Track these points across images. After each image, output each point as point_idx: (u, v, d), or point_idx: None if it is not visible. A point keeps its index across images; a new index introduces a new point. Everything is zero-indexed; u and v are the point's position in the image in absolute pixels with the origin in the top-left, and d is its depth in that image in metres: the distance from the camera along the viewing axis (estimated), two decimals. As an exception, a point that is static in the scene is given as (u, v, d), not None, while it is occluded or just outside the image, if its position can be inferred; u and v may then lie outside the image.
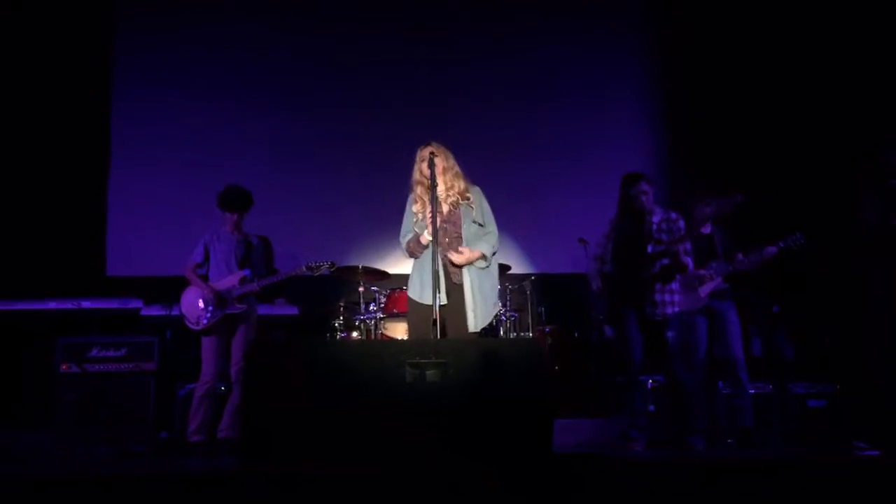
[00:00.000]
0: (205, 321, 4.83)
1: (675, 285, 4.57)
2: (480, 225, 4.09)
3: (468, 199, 4.09)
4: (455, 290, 4.02)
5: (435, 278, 3.76)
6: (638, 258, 4.53)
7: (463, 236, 4.05)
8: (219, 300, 4.84)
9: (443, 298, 3.89)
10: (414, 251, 4.11)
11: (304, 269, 4.97)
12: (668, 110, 7.73)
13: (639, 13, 7.88)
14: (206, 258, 5.03)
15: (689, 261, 4.56)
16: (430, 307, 3.78)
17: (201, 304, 4.86)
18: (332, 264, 5.03)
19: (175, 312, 5.04)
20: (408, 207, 4.20)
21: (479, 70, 7.53)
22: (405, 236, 4.17)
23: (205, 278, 4.98)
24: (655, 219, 4.61)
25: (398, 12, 7.52)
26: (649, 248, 4.51)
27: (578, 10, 7.73)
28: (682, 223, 4.60)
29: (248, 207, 5.08)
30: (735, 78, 7.28)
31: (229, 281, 4.90)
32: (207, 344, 4.89)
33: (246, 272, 4.92)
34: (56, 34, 6.97)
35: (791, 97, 6.89)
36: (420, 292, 4.02)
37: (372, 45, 7.47)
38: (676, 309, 4.55)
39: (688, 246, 4.57)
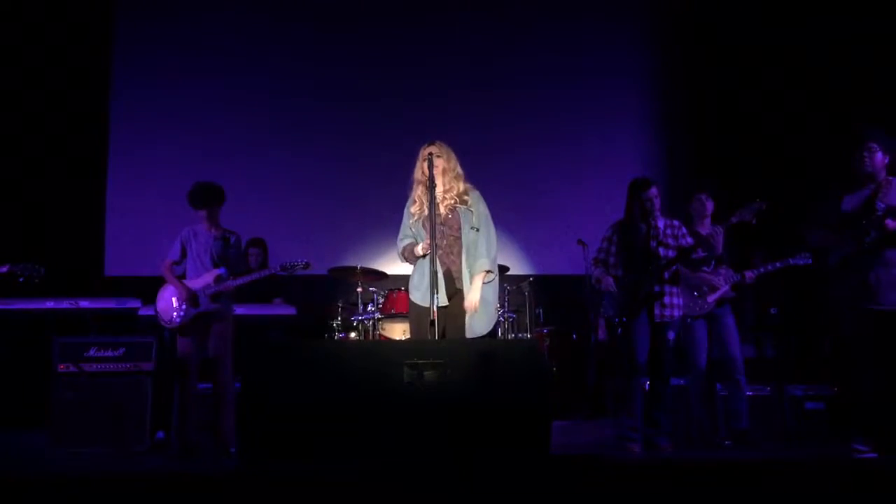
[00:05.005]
0: (178, 320, 4.74)
1: (675, 289, 4.68)
2: (478, 230, 4.02)
3: (466, 202, 4.04)
4: (457, 295, 3.96)
5: (433, 279, 3.72)
6: (648, 262, 4.56)
7: (462, 242, 3.99)
8: (192, 299, 4.78)
9: (443, 299, 3.86)
10: (408, 258, 4.09)
11: (278, 268, 4.94)
12: (670, 113, 7.74)
13: (641, 13, 7.89)
14: (183, 255, 4.92)
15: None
16: (429, 309, 3.73)
17: (175, 303, 4.78)
18: (307, 264, 4.97)
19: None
20: (406, 208, 4.15)
21: (479, 72, 7.54)
22: (402, 239, 4.13)
23: (182, 276, 4.90)
24: (661, 224, 4.67)
25: (398, 9, 7.54)
26: (662, 252, 4.58)
27: (580, 11, 7.74)
28: (685, 229, 4.75)
29: (218, 203, 4.89)
30: (737, 81, 7.28)
31: (204, 279, 4.81)
32: (184, 344, 4.80)
33: (221, 270, 4.83)
34: (56, 31, 6.97)
35: (795, 99, 6.88)
36: (421, 295, 3.95)
37: (373, 41, 7.49)
38: (678, 312, 4.67)
39: (699, 252, 4.66)
